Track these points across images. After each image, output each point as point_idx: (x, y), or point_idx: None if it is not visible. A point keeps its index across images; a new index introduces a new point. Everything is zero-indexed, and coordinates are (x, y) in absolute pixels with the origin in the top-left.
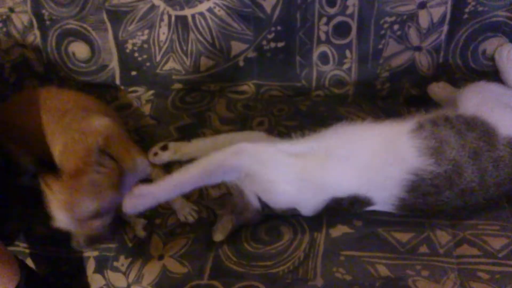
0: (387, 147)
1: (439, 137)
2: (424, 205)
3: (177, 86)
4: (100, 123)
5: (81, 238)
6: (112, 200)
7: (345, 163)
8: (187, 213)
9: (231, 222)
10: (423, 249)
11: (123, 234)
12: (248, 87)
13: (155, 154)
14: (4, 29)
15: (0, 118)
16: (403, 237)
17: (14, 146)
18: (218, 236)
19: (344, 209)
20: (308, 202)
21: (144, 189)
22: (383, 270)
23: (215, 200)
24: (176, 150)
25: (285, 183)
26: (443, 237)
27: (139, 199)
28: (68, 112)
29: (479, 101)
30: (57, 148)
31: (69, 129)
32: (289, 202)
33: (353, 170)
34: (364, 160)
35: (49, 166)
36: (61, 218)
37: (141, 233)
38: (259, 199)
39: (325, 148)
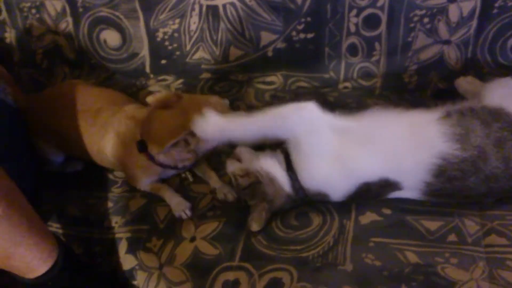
0: (416, 133)
1: (465, 125)
2: (451, 190)
3: (206, 75)
4: (130, 108)
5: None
6: None
7: (377, 147)
8: (227, 191)
9: (265, 211)
10: (452, 237)
11: (154, 216)
12: (276, 77)
13: None
14: (37, 16)
15: (30, 113)
16: (432, 225)
17: (43, 141)
18: (255, 227)
19: (374, 195)
20: (339, 184)
21: (216, 117)
22: (412, 257)
23: (245, 190)
24: None
25: (325, 158)
26: (471, 226)
27: (211, 125)
28: (102, 110)
29: (504, 94)
30: (108, 146)
31: (109, 124)
32: (323, 181)
33: (384, 155)
34: (395, 145)
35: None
36: None
37: (186, 214)
38: (292, 183)
39: (362, 131)
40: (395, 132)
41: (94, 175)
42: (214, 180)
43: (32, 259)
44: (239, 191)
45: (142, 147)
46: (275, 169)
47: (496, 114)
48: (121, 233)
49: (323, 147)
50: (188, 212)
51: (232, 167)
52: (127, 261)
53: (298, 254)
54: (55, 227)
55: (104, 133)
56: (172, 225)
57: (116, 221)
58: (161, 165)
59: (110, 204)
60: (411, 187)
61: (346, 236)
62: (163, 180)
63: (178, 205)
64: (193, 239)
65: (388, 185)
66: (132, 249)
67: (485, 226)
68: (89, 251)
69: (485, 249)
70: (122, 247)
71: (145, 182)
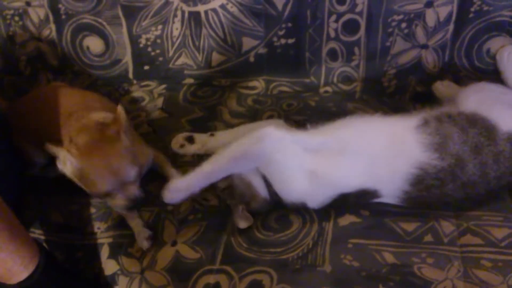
0: (394, 142)
1: (443, 133)
2: (428, 197)
3: (189, 80)
4: (98, 116)
5: (123, 202)
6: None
7: (355, 159)
8: None
9: (245, 210)
10: (428, 238)
11: None
12: (258, 82)
13: (182, 145)
14: (20, 23)
15: (13, 115)
16: (409, 226)
17: (25, 143)
18: (244, 224)
19: (351, 203)
20: (317, 197)
21: (179, 183)
22: (390, 257)
23: (224, 190)
24: (202, 144)
25: (298, 176)
26: (447, 227)
27: (175, 193)
28: (74, 113)
29: (479, 99)
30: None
31: (72, 130)
32: (299, 195)
33: (362, 166)
34: (373, 155)
35: None
36: (107, 183)
37: (144, 244)
38: (268, 188)
39: (337, 144)
40: (373, 142)
41: None
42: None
43: (13, 265)
44: (219, 191)
45: None
46: (250, 174)
47: (472, 120)
48: (103, 238)
49: (294, 165)
50: (147, 243)
51: None
52: (109, 266)
53: (278, 257)
54: (37, 233)
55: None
56: (154, 230)
57: (98, 226)
58: None
59: (92, 210)
60: (390, 194)
61: (325, 238)
62: None
63: (140, 233)
64: (174, 244)
65: (366, 193)
66: (114, 254)
67: (461, 226)
68: (71, 257)
69: (460, 249)
70: (104, 252)
71: None
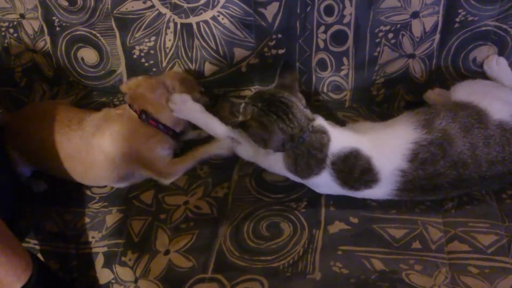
0: (392, 125)
1: (431, 112)
2: (424, 179)
3: None
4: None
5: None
6: None
7: (364, 133)
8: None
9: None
10: (416, 245)
11: (130, 229)
12: (250, 92)
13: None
14: (15, 35)
15: (10, 127)
16: (397, 233)
17: (17, 155)
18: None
19: (356, 177)
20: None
21: (185, 96)
22: (378, 264)
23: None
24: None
25: None
26: (435, 233)
27: (180, 98)
28: (83, 121)
29: (472, 89)
30: (110, 150)
31: (99, 131)
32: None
33: (369, 138)
34: (377, 133)
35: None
36: None
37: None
38: None
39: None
40: (377, 126)
41: (72, 191)
42: None
43: (6, 276)
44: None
45: (146, 114)
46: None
47: (462, 105)
48: (98, 247)
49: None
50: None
51: None
52: (104, 276)
53: (269, 265)
54: (32, 243)
55: (96, 143)
56: (147, 238)
57: (93, 236)
58: (165, 129)
59: (87, 220)
60: (387, 179)
61: (315, 246)
62: None
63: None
64: (167, 252)
65: (369, 170)
66: (108, 263)
67: (448, 233)
68: (66, 266)
69: (448, 255)
70: (99, 261)
71: (164, 158)
